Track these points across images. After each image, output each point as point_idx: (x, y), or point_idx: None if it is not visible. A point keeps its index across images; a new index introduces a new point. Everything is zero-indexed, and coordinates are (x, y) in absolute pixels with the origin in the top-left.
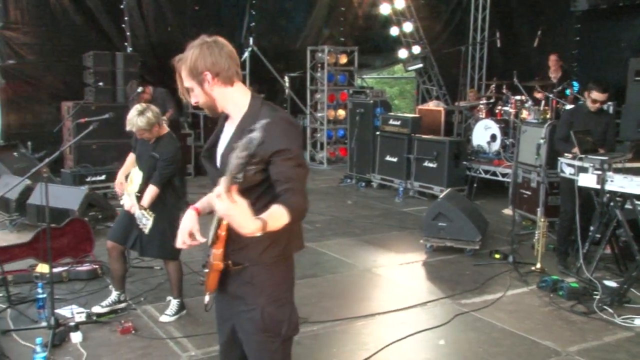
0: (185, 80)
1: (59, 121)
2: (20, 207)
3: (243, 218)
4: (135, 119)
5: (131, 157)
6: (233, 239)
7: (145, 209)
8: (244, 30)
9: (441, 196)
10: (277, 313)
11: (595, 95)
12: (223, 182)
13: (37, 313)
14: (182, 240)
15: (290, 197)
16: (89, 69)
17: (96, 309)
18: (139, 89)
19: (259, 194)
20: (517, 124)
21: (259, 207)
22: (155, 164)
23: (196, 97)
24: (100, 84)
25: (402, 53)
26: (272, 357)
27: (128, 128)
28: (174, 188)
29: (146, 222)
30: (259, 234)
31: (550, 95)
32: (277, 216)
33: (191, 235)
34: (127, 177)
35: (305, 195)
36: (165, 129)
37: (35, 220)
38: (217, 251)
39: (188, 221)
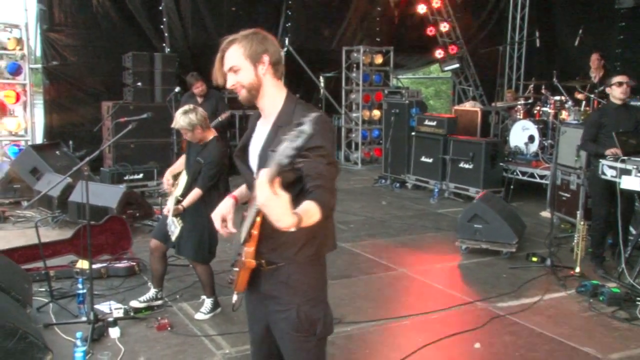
0: (236, 59)
1: (99, 121)
2: (62, 204)
3: (282, 211)
4: (179, 117)
5: (182, 159)
6: (267, 237)
7: (176, 217)
8: (280, 30)
9: (477, 198)
10: (313, 312)
11: (619, 78)
12: (267, 172)
13: (78, 308)
14: (218, 224)
15: (321, 194)
16: (128, 69)
17: (134, 304)
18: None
19: (296, 192)
20: (556, 124)
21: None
22: (200, 169)
23: (239, 79)
24: (139, 84)
25: (439, 53)
26: (308, 357)
27: (172, 125)
28: (219, 193)
29: (174, 229)
30: (293, 229)
31: (592, 96)
32: (311, 213)
33: (224, 221)
34: (177, 176)
35: (334, 193)
36: (213, 133)
37: (75, 217)
38: (249, 249)
39: (224, 206)
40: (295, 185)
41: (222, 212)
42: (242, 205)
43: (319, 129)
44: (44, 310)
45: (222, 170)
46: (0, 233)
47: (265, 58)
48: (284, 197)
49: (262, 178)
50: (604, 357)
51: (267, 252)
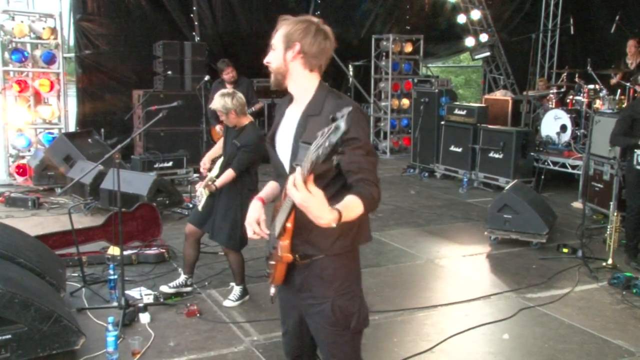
0: (277, 38)
1: (130, 109)
2: (94, 191)
3: (320, 209)
4: (216, 98)
5: (219, 144)
6: (300, 230)
7: (205, 187)
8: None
9: (507, 187)
10: (347, 306)
11: None
12: (299, 171)
13: (109, 293)
14: (252, 230)
15: (364, 187)
16: (158, 58)
17: (164, 289)
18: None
19: (325, 183)
20: (589, 114)
21: (327, 196)
22: (235, 151)
23: (272, 59)
24: (169, 72)
25: (469, 41)
26: (343, 350)
27: (210, 105)
28: (252, 180)
29: (201, 199)
30: (334, 225)
31: (627, 84)
32: (352, 207)
33: (258, 224)
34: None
35: (378, 184)
36: (248, 118)
37: (107, 204)
38: (284, 243)
39: (255, 211)
40: (337, 181)
41: (255, 217)
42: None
43: (353, 121)
44: (77, 295)
45: (257, 155)
46: (35, 219)
47: (297, 47)
48: (319, 194)
49: (297, 179)
50: (637, 350)
51: (301, 244)
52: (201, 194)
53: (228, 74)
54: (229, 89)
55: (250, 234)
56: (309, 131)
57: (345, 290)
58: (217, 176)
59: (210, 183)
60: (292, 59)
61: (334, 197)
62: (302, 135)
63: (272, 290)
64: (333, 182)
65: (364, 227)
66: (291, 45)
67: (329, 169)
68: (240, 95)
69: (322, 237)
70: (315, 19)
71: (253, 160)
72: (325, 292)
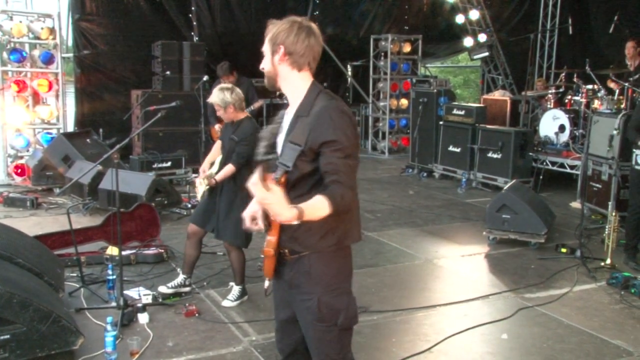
0: (265, 44)
1: (128, 109)
2: (93, 191)
3: (278, 206)
4: (215, 92)
5: (217, 145)
6: (287, 226)
7: (204, 180)
8: (307, 18)
9: (506, 187)
10: (334, 303)
11: None
12: (258, 170)
13: (108, 293)
14: (247, 222)
15: (335, 188)
16: (157, 58)
17: (162, 289)
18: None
19: (312, 183)
20: (588, 114)
21: (312, 196)
22: (234, 146)
23: (264, 64)
24: (168, 72)
25: (468, 41)
26: (330, 346)
27: (208, 99)
28: (252, 175)
29: (200, 190)
30: (295, 222)
31: (626, 85)
32: (317, 207)
33: (254, 219)
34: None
35: (352, 187)
36: (245, 113)
37: (105, 205)
38: (272, 238)
39: (253, 205)
40: (312, 176)
41: (252, 210)
42: None
43: (328, 122)
44: (76, 295)
45: (254, 148)
46: (33, 219)
47: (281, 49)
48: (277, 191)
49: (253, 177)
50: (636, 350)
51: (288, 240)
52: (200, 183)
53: (225, 80)
54: (228, 84)
55: (246, 223)
56: (295, 131)
57: (332, 287)
58: (217, 173)
59: (210, 178)
60: (279, 62)
61: (307, 195)
62: (290, 134)
63: (266, 283)
64: (319, 184)
65: (353, 227)
66: (276, 49)
67: (309, 170)
68: (239, 90)
69: (307, 235)
70: (298, 18)
71: (252, 153)
72: (312, 288)
